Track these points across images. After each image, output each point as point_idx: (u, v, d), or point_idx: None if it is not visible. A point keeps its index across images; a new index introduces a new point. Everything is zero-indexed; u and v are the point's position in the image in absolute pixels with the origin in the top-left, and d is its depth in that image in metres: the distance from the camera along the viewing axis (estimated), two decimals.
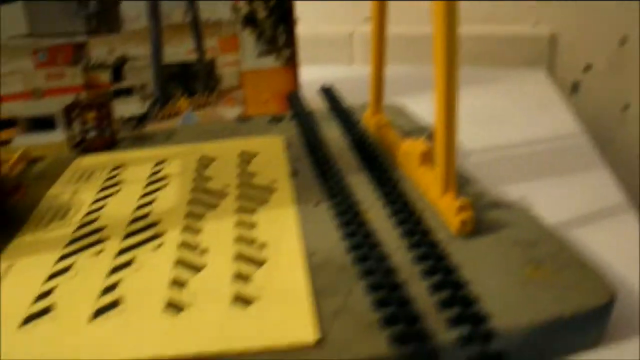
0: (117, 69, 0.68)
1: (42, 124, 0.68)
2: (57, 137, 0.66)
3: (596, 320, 0.30)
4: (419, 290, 0.31)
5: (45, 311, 0.33)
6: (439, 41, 0.36)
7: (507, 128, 0.65)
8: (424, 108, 0.58)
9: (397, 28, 0.52)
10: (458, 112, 0.37)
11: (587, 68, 0.98)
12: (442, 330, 0.28)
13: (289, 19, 0.69)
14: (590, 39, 0.97)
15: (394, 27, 0.53)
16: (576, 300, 0.30)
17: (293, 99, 0.65)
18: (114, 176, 0.50)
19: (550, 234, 0.36)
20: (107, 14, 0.66)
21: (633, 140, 1.00)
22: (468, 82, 0.79)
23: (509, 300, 0.30)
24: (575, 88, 0.99)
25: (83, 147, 0.58)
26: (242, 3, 0.67)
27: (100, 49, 0.67)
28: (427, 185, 0.41)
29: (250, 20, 0.68)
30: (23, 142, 0.64)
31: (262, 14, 0.68)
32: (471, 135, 0.60)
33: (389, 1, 0.50)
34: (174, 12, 0.67)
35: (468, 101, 0.71)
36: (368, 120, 0.56)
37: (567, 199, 0.47)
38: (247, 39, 0.69)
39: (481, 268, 0.33)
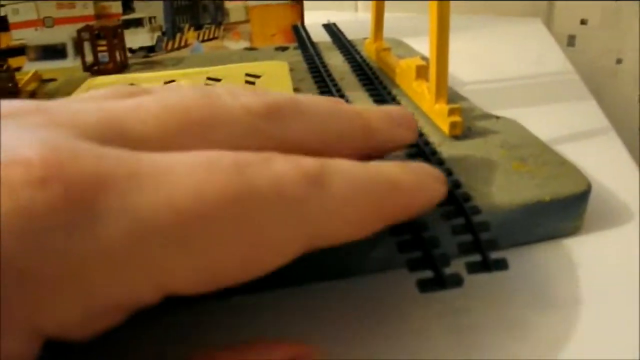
0: (127, 0, 0.70)
1: (53, 52, 0.70)
2: (68, 65, 0.68)
3: (574, 207, 0.33)
4: None
5: None
6: None
7: (504, 68, 0.67)
8: (422, 48, 0.60)
9: None
10: (449, 25, 0.39)
11: (583, 22, 1.00)
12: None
13: None
14: None
15: None
16: (555, 187, 0.33)
17: (297, 29, 0.68)
18: None
19: (535, 139, 0.39)
20: None
21: (625, 93, 1.02)
22: (467, 29, 0.82)
23: (493, 186, 0.33)
24: (571, 41, 1.01)
25: (95, 70, 0.60)
26: None
27: None
28: (421, 96, 0.44)
29: None
30: (33, 69, 0.66)
31: None
32: (467, 72, 0.62)
33: None
34: None
35: (466, 45, 0.74)
36: (369, 48, 0.59)
37: (554, 122, 0.49)
38: None
39: (468, 163, 0.36)
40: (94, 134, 0.21)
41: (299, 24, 0.72)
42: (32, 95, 0.52)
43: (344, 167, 0.23)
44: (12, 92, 0.49)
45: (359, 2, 1.06)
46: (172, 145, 0.21)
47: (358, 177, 0.24)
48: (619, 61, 1.01)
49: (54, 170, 0.17)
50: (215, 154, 0.21)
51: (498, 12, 0.99)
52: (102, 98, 0.25)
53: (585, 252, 0.32)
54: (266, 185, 0.20)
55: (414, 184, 0.26)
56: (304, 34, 0.66)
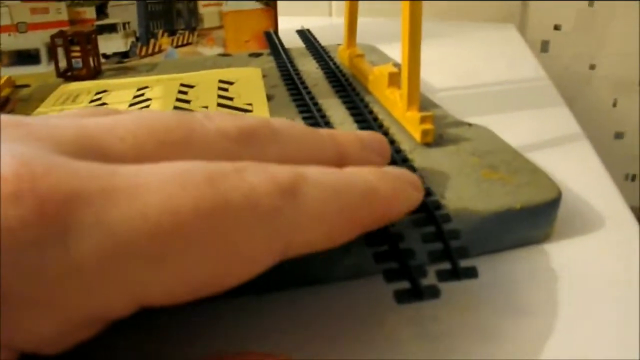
0: (101, 6, 0.70)
1: (26, 58, 0.69)
2: (41, 71, 0.68)
3: (544, 215, 0.33)
4: None
5: None
6: None
7: (477, 75, 0.67)
8: (395, 55, 0.61)
9: None
10: (421, 32, 0.40)
11: (557, 28, 1.01)
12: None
13: None
14: None
15: None
16: (526, 195, 0.33)
17: (270, 36, 0.68)
18: (99, 98, 0.52)
19: (507, 146, 0.39)
20: None
21: (598, 99, 1.03)
22: (439, 35, 0.82)
23: (464, 194, 0.33)
24: (544, 47, 1.02)
25: (68, 76, 0.60)
26: None
27: None
28: (393, 103, 0.44)
29: None
30: (7, 74, 0.65)
31: None
32: (440, 79, 0.62)
33: None
34: None
35: (439, 51, 0.74)
36: (342, 54, 0.59)
37: (526, 128, 0.50)
38: None
39: (440, 170, 0.36)
40: (71, 148, 0.21)
41: (271, 30, 0.72)
42: (6, 101, 0.52)
43: (318, 176, 0.24)
44: None
45: (333, 7, 1.06)
46: (147, 163, 0.21)
47: (332, 185, 0.24)
48: (592, 67, 1.02)
49: (27, 185, 0.17)
50: (188, 165, 0.21)
51: (471, 18, 0.99)
52: (80, 115, 0.25)
53: (555, 259, 0.33)
54: (239, 197, 0.20)
55: (391, 192, 0.26)
56: (276, 40, 0.66)
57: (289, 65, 0.57)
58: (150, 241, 0.18)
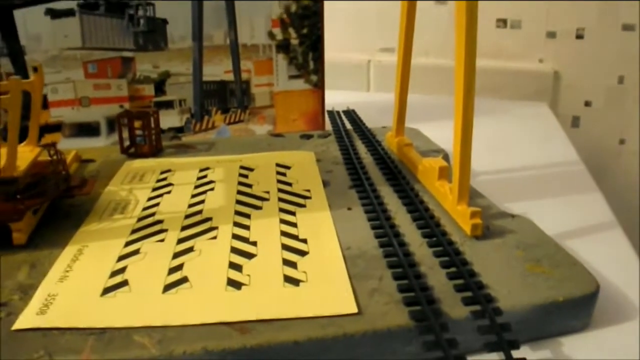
0: (160, 84, 0.74)
1: (87, 130, 0.73)
2: (100, 143, 0.72)
3: (584, 306, 0.37)
4: (438, 278, 0.38)
5: (120, 285, 0.38)
6: (460, 67, 0.42)
7: (512, 155, 0.71)
8: (434, 134, 0.65)
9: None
10: (472, 133, 0.44)
11: (587, 104, 1.04)
12: (457, 309, 0.35)
13: (319, 48, 0.76)
14: (591, 77, 1.03)
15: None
16: (568, 289, 0.37)
17: (333, 115, 0.75)
18: (164, 178, 0.56)
19: (548, 239, 0.43)
20: (156, 33, 0.72)
21: (628, 173, 1.05)
22: (478, 113, 0.85)
23: (511, 287, 0.37)
24: (575, 122, 1.05)
25: (131, 152, 0.64)
26: (277, 30, 0.74)
27: (146, 65, 0.73)
28: (443, 196, 0.48)
29: (284, 47, 0.75)
30: (68, 146, 0.68)
31: (295, 41, 0.75)
32: (479, 159, 0.66)
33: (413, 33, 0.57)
34: (216, 35, 0.73)
35: (475, 130, 0.77)
36: (390, 141, 0.63)
37: (563, 216, 0.53)
38: (281, 63, 0.75)
39: (489, 263, 0.40)
40: None
41: (333, 109, 0.77)
42: (84, 182, 0.55)
43: None
44: (65, 178, 0.52)
45: (371, 83, 1.10)
46: None
47: None
48: (622, 141, 1.05)
49: None
50: None
51: (506, 96, 1.02)
52: None
53: (593, 347, 0.36)
54: None
55: None
56: (339, 121, 0.72)
57: (350, 150, 0.62)
58: None
